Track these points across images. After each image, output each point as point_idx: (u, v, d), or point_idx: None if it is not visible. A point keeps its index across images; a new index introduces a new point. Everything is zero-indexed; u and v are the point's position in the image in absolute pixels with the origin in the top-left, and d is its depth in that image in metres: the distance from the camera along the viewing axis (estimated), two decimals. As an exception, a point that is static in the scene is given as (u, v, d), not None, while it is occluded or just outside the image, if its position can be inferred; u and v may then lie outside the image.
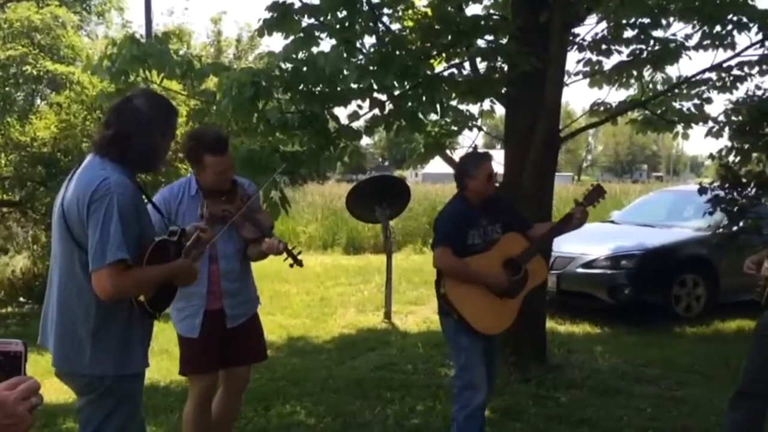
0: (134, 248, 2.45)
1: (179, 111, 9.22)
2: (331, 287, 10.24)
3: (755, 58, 6.34)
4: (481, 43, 5.87)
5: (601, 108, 6.82)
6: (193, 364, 3.62)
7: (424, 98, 5.35)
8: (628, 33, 6.34)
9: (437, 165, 7.75)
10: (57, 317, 2.56)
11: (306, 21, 5.28)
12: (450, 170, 6.82)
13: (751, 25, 5.93)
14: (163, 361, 6.04)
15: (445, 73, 5.86)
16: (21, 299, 9.54)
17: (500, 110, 6.48)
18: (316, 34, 5.29)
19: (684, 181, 39.90)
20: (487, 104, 6.52)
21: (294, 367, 6.00)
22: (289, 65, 5.10)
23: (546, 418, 4.73)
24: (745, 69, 6.42)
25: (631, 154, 74.20)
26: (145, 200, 2.78)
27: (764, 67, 6.39)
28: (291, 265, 3.58)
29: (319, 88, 5.20)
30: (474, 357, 3.88)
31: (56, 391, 4.48)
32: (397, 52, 5.42)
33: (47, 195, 8.63)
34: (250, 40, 25.79)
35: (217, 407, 3.73)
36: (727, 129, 6.79)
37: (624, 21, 6.21)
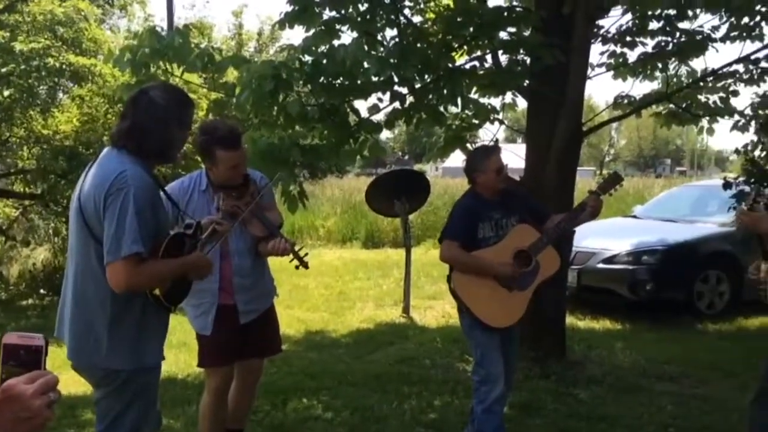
0: (150, 241, 2.45)
1: (199, 104, 9.29)
2: (349, 281, 10.24)
3: (784, 50, 6.22)
4: (503, 35, 5.81)
5: (625, 101, 6.73)
6: (209, 357, 3.63)
7: (445, 91, 5.31)
8: (654, 25, 6.24)
9: (457, 159, 7.69)
10: (73, 310, 2.56)
11: (327, 14, 5.25)
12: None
13: (780, 16, 5.82)
14: (181, 354, 6.08)
15: (467, 66, 5.80)
16: (41, 291, 9.65)
17: (522, 103, 6.43)
18: (337, 26, 5.27)
19: (709, 176, 39.39)
20: (509, 97, 6.48)
21: (311, 361, 6.00)
22: (309, 58, 5.08)
23: (565, 415, 4.68)
24: (774, 61, 6.30)
25: (655, 148, 73.34)
26: (162, 193, 2.77)
27: (793, 59, 6.27)
28: (297, 267, 3.55)
29: (339, 81, 5.18)
30: (490, 351, 3.86)
31: (75, 383, 4.48)
32: (418, 45, 5.38)
33: (68, 188, 8.69)
34: (271, 33, 25.84)
35: (232, 399, 3.74)
36: (753, 123, 6.67)
37: (649, 12, 6.12)
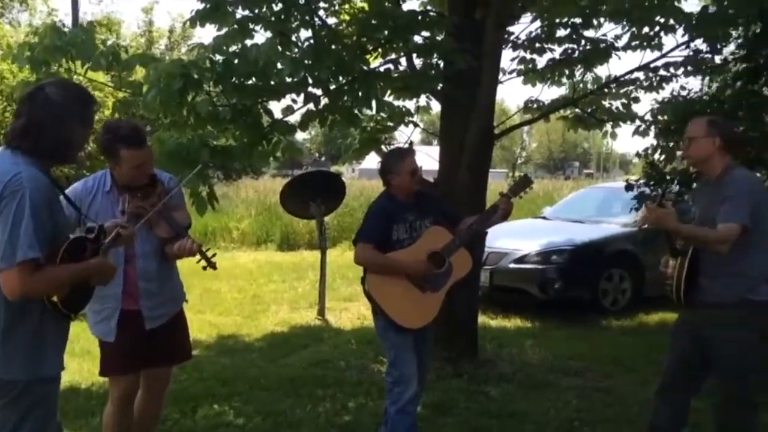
0: (47, 246, 2.34)
1: (105, 103, 8.92)
2: (264, 284, 10.10)
3: (680, 59, 6.54)
4: (417, 39, 5.87)
5: (535, 105, 6.94)
6: (112, 365, 3.49)
7: (359, 93, 5.32)
8: (561, 32, 6.45)
9: (374, 160, 7.72)
10: None
11: (240, 12, 5.16)
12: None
13: (677, 27, 6.12)
14: (84, 363, 5.83)
15: (381, 69, 5.83)
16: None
17: (436, 106, 6.52)
18: (251, 26, 5.19)
19: (613, 178, 41.08)
20: (423, 100, 6.55)
21: (223, 367, 5.87)
22: (220, 57, 4.97)
23: (477, 413, 4.77)
24: (671, 69, 6.62)
25: (564, 151, 75.96)
26: (62, 196, 2.65)
27: (689, 68, 6.60)
28: (204, 268, 3.46)
29: (251, 82, 5.10)
30: (404, 352, 3.89)
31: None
32: (333, 46, 5.37)
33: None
34: (182, 31, 25.24)
35: (138, 408, 3.61)
36: (653, 128, 6.99)
37: (557, 20, 6.32)
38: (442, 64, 5.88)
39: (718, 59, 6.76)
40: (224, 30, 5.11)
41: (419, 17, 5.77)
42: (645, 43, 6.39)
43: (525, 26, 6.49)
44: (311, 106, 5.52)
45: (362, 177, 29.45)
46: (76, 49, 4.97)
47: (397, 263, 3.86)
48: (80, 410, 4.79)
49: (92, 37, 5.11)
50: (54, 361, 2.51)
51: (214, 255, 3.50)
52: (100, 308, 3.41)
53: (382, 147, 6.84)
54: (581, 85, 6.97)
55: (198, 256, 3.42)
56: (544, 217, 10.04)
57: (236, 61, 4.91)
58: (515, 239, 8.33)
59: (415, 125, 6.79)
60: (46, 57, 4.99)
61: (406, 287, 3.87)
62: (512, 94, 64.73)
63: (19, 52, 5.17)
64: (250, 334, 7.17)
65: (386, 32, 5.66)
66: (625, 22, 6.25)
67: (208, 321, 7.58)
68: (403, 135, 6.90)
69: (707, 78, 7.24)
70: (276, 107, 5.57)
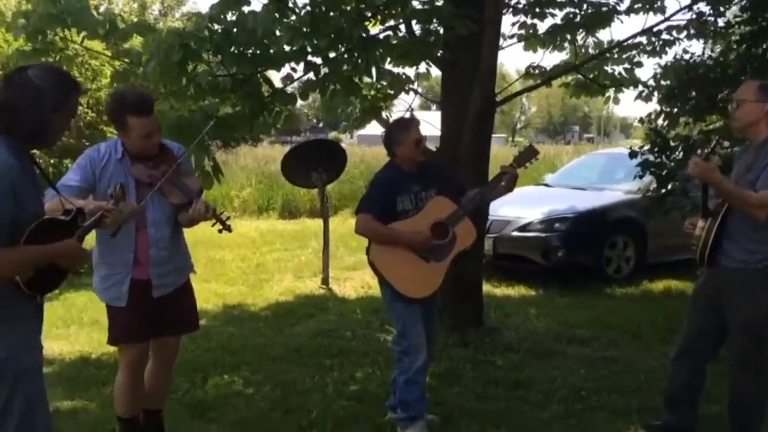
0: (7, 227, 2.29)
1: (103, 71, 8.77)
2: (267, 253, 10.11)
3: (683, 22, 6.46)
4: (416, 4, 5.77)
5: (536, 71, 6.85)
6: (121, 333, 3.51)
7: (359, 61, 5.25)
8: (562, -4, 6.34)
9: (373, 127, 7.67)
10: None
11: (235, -21, 5.06)
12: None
13: (681, -11, 6.03)
14: (93, 333, 5.88)
15: (381, 36, 5.75)
16: None
17: (435, 72, 6.44)
18: (247, -7, 5.09)
19: (614, 143, 40.93)
20: (422, 67, 6.46)
21: (231, 336, 5.90)
22: (218, 27, 4.89)
23: (483, 382, 4.79)
24: (674, 33, 6.55)
25: (564, 115, 75.46)
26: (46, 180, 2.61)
27: (691, 31, 6.52)
28: (220, 231, 3.48)
29: (250, 51, 5.02)
30: (411, 322, 3.90)
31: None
32: (331, 13, 5.28)
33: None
34: (176, -4, 24.90)
35: (149, 380, 3.64)
36: (656, 93, 6.92)
37: (558, -16, 6.21)
38: (441, 30, 5.80)
39: (721, 22, 6.68)
40: (219, -3, 5.01)
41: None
42: (647, 6, 6.29)
43: (525, -10, 6.37)
44: (311, 75, 5.46)
45: (361, 143, 29.27)
46: (72, 17, 4.90)
47: (398, 234, 3.84)
48: (91, 380, 4.84)
49: (88, 4, 5.04)
50: (24, 342, 2.45)
51: (228, 218, 3.52)
52: (108, 273, 3.44)
53: (383, 115, 6.78)
54: (582, 51, 6.88)
55: (213, 220, 3.43)
56: (546, 184, 10.00)
57: (235, 30, 4.84)
58: (518, 207, 8.31)
59: (416, 93, 6.72)
60: (41, 26, 4.91)
61: (410, 257, 3.85)
62: (512, 58, 64.19)
63: (13, 20, 5.10)
64: (255, 304, 7.19)
65: (385, -1, 5.57)
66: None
67: (213, 290, 7.60)
68: (402, 101, 6.84)
69: (710, 42, 7.16)
70: (275, 77, 5.51)
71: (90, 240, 2.89)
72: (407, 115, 6.01)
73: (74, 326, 6.25)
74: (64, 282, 2.66)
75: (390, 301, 3.97)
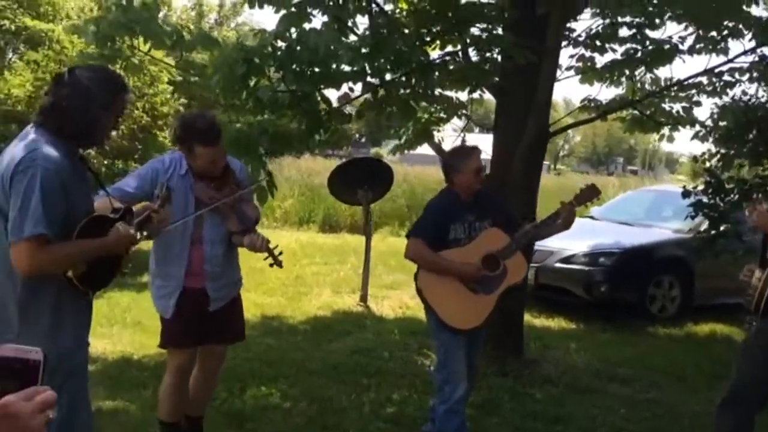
0: (58, 224, 2.36)
1: (161, 77, 8.96)
2: (306, 266, 10.17)
3: (746, 65, 6.37)
4: (474, 31, 5.80)
5: (591, 104, 6.81)
6: (171, 338, 3.62)
7: (417, 85, 5.28)
8: (624, 32, 6.32)
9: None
10: None
11: (299, -5, 5.15)
12: (429, 152, 6.78)
13: (745, 32, 5.95)
14: (136, 335, 5.97)
15: (438, 61, 5.78)
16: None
17: (487, 97, 6.44)
18: (308, 10, 5.17)
19: (659, 177, 40.33)
20: (476, 93, 6.48)
21: (269, 348, 5.95)
22: (282, 44, 4.98)
23: (522, 414, 4.74)
24: (736, 75, 6.45)
25: (608, 146, 74.67)
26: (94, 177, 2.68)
27: (754, 74, 6.42)
28: (271, 265, 3.55)
29: (311, 69, 5.10)
30: (454, 352, 3.88)
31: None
32: (391, 36, 5.33)
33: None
34: (232, 6, 25.34)
35: (194, 385, 3.72)
36: (712, 134, 6.83)
37: (620, 19, 6.18)
38: (499, 58, 5.81)
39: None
40: (282, 12, 5.10)
41: (479, 10, 5.69)
42: (710, 47, 6.22)
43: (586, 23, 6.37)
44: (369, 96, 5.51)
45: (403, 162, 29.18)
46: (140, 26, 5.03)
47: (448, 264, 3.82)
48: (133, 381, 4.92)
49: (156, 15, 5.18)
50: (73, 337, 2.51)
51: (281, 253, 3.57)
52: (162, 284, 3.55)
53: (435, 137, 6.80)
54: (639, 86, 6.82)
55: (266, 253, 3.47)
56: (591, 217, 9.88)
57: (298, 48, 4.91)
58: (562, 238, 8.16)
59: (468, 118, 6.74)
60: (111, 32, 5.05)
61: (458, 288, 3.83)
62: (562, 90, 63.81)
63: (84, 26, 5.26)
64: (293, 317, 7.24)
65: (445, 24, 5.61)
66: (691, 25, 6.09)
67: (252, 300, 7.65)
68: (450, 124, 6.88)
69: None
70: (332, 95, 5.58)
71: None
72: (460, 139, 6.03)
73: (117, 326, 6.36)
74: (113, 280, 2.72)
75: (435, 329, 3.95)
